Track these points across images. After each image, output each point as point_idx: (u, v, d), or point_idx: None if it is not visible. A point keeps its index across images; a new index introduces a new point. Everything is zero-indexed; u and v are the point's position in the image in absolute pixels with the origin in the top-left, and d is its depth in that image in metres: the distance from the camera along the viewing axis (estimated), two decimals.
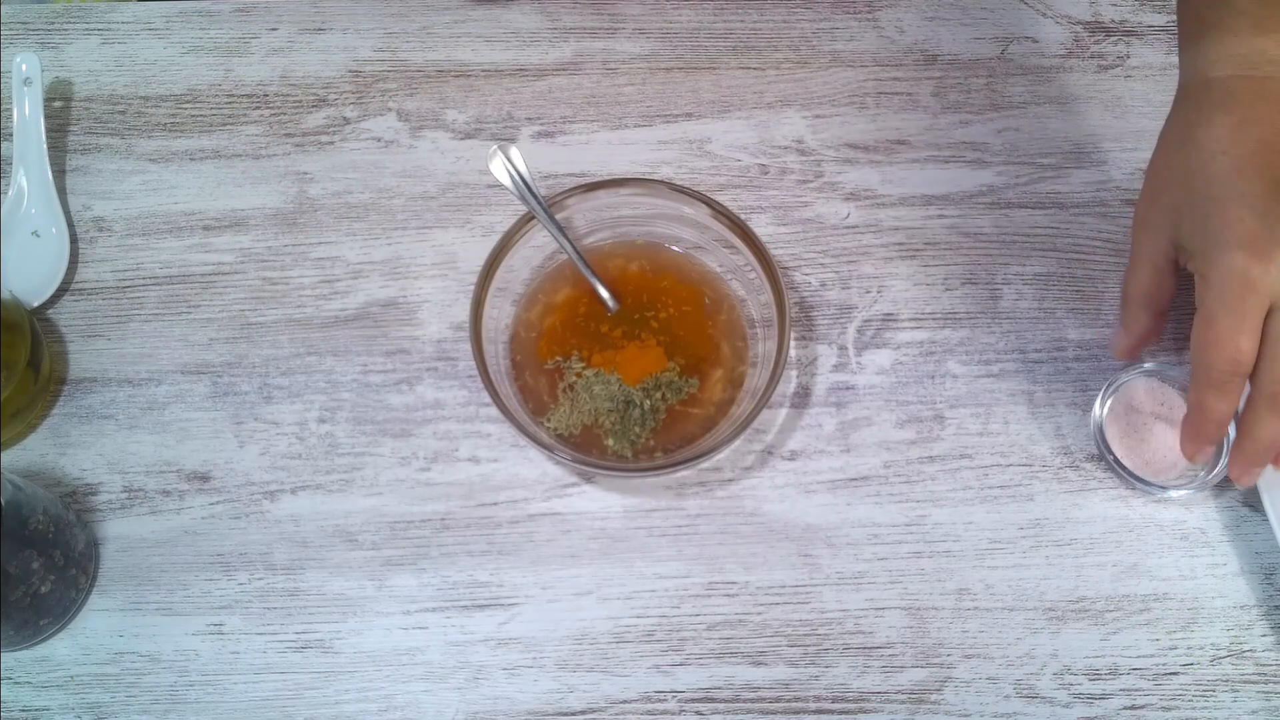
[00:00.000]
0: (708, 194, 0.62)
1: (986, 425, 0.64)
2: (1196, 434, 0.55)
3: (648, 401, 0.61)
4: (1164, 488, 0.60)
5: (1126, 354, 0.61)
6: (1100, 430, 0.61)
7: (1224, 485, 0.62)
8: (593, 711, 0.58)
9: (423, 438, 0.63)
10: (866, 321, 0.66)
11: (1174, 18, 0.74)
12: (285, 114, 0.71)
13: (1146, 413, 0.61)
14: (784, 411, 0.64)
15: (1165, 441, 0.61)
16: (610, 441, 0.60)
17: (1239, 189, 0.52)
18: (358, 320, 0.66)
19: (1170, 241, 0.56)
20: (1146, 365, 0.62)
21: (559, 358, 0.62)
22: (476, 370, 0.58)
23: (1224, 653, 0.59)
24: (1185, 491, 0.60)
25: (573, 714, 0.58)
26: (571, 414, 0.61)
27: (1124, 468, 0.61)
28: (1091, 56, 0.73)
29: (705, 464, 0.62)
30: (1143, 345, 0.60)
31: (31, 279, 0.66)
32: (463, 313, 0.66)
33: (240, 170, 0.70)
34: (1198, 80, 0.56)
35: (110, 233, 0.68)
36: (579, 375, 0.62)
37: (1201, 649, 0.59)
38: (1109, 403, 0.62)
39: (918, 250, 0.68)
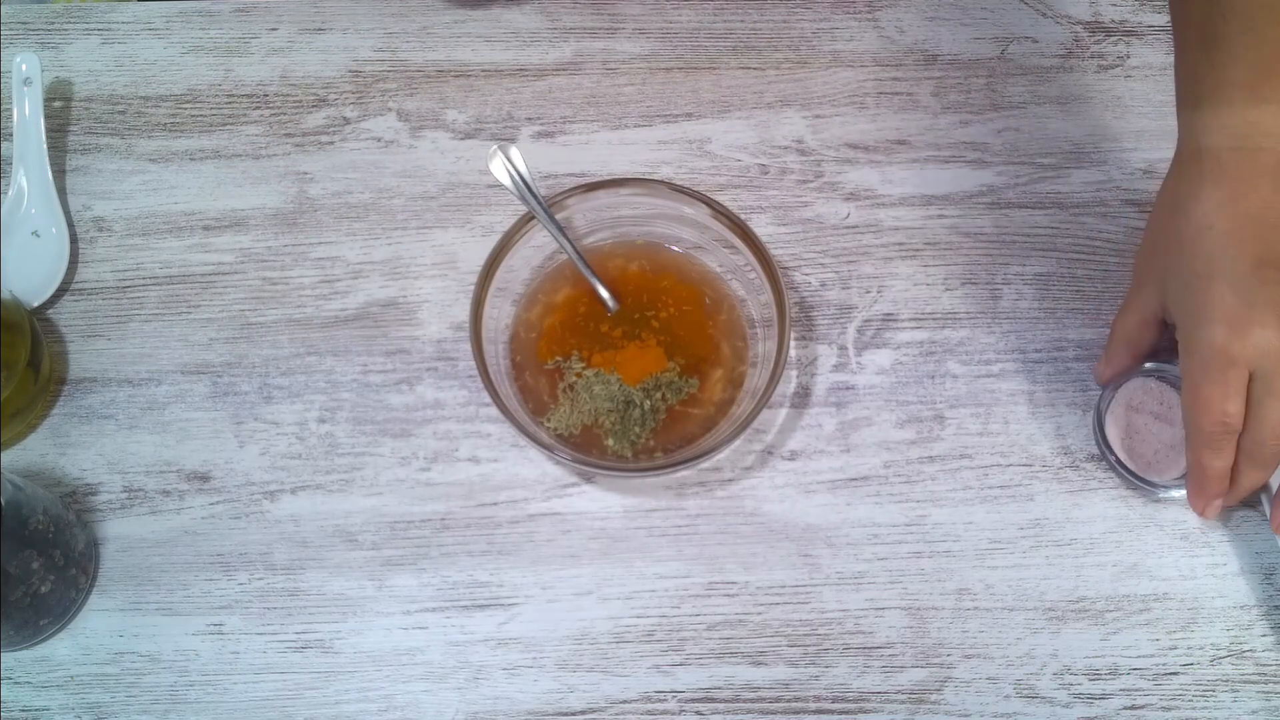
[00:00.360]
0: (708, 194, 0.62)
1: (986, 425, 0.64)
2: (1200, 490, 0.58)
3: (648, 402, 0.61)
4: (1165, 487, 0.60)
5: (1107, 382, 0.62)
6: (1101, 430, 0.61)
7: None
8: (593, 711, 0.58)
9: (423, 438, 0.63)
10: (866, 321, 0.66)
11: None
12: (285, 114, 0.71)
13: (1146, 412, 0.61)
14: (784, 411, 0.64)
15: (1165, 441, 0.61)
16: (610, 441, 0.60)
17: (1222, 265, 0.54)
18: (358, 320, 0.66)
19: (1159, 300, 0.58)
20: (1147, 365, 0.62)
21: (559, 358, 0.62)
22: (476, 370, 0.58)
23: (1224, 653, 0.59)
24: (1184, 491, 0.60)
25: (573, 714, 0.58)
26: (571, 414, 0.61)
27: (1125, 467, 0.60)
28: (1091, 56, 0.73)
29: (705, 464, 0.62)
30: (1123, 375, 0.62)
31: (31, 279, 0.66)
32: (463, 313, 0.66)
33: (240, 170, 0.70)
34: (1191, 147, 0.57)
35: (110, 233, 0.68)
36: (579, 375, 0.62)
37: (1201, 649, 0.59)
38: (1110, 402, 0.62)
39: (918, 250, 0.68)
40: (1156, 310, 0.59)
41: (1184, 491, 0.60)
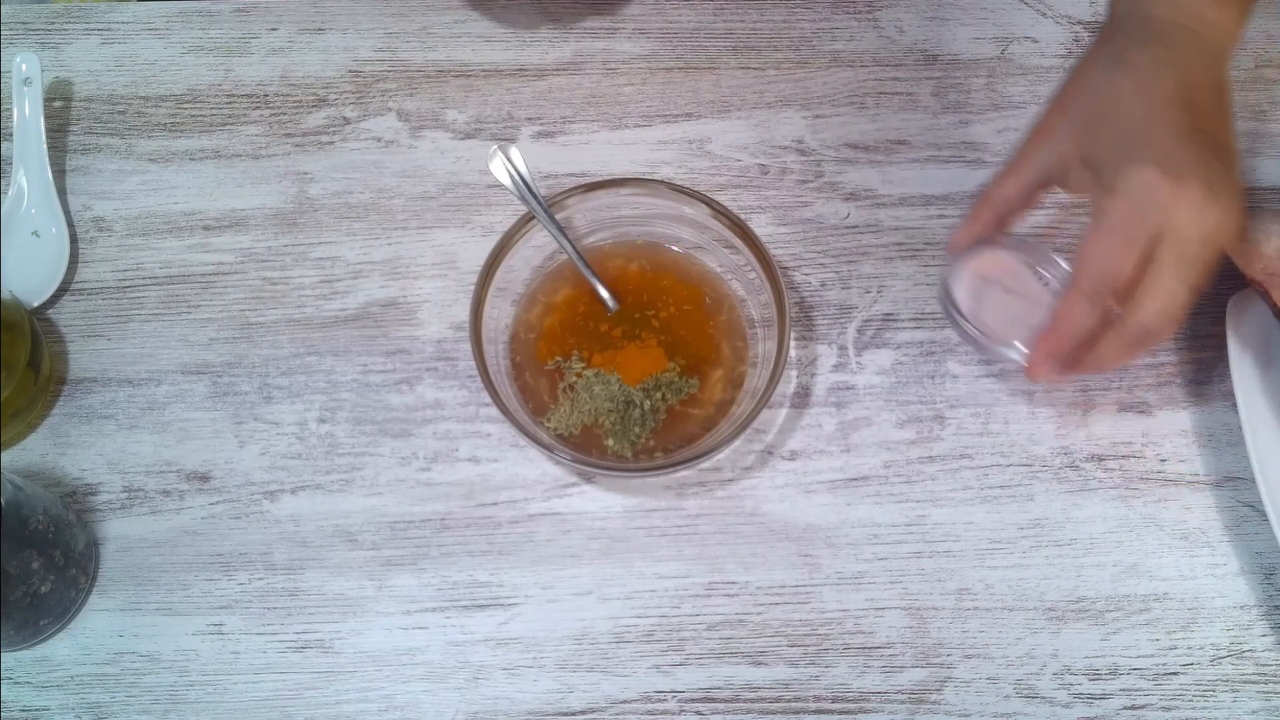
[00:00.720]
0: (708, 194, 0.62)
1: (986, 425, 0.64)
2: (1051, 342, 0.55)
3: (648, 402, 0.61)
4: (1007, 347, 0.59)
5: (958, 251, 0.60)
6: (949, 293, 0.60)
7: (1223, 482, 0.62)
8: (593, 711, 0.58)
9: (423, 438, 0.63)
10: (866, 321, 0.66)
11: None
12: (285, 114, 0.71)
13: (995, 283, 0.60)
14: (784, 411, 0.64)
15: (1011, 313, 0.59)
16: (610, 442, 0.60)
17: (1166, 115, 0.53)
18: (358, 320, 0.66)
19: (1068, 155, 0.56)
20: (999, 238, 0.60)
21: (559, 358, 0.62)
22: (476, 370, 0.58)
23: (1224, 653, 0.59)
24: (1025, 353, 0.59)
25: (573, 714, 0.58)
26: (572, 414, 0.61)
27: (976, 329, 0.59)
28: None
29: (705, 464, 0.62)
30: (975, 244, 0.60)
31: (31, 279, 0.66)
32: (463, 313, 0.66)
33: (240, 170, 0.70)
34: (1139, 14, 0.56)
35: (110, 233, 0.68)
36: (579, 375, 0.62)
37: (1201, 649, 0.59)
38: (959, 270, 0.60)
39: (918, 250, 0.68)
40: (1058, 167, 0.56)
41: (1027, 353, 0.58)
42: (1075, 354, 0.56)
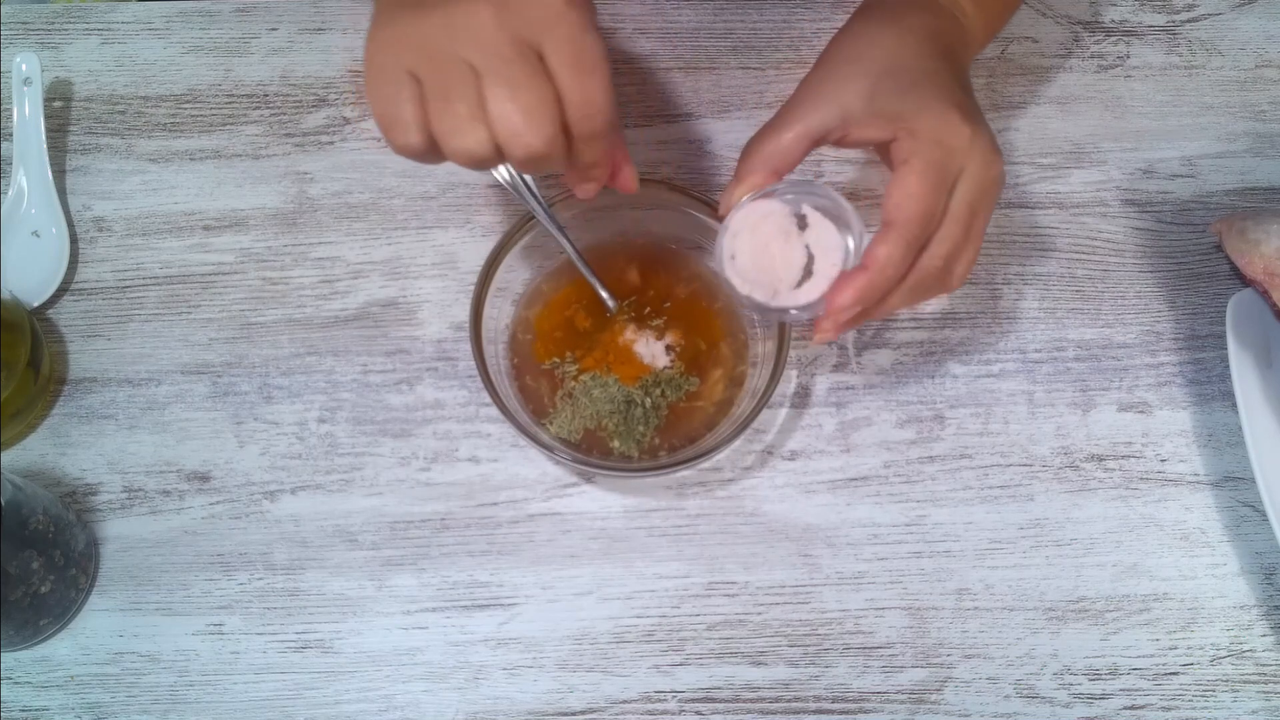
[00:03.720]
0: (708, 194, 0.62)
1: (986, 425, 0.64)
2: (868, 293, 0.51)
3: (648, 399, 0.61)
4: (786, 310, 0.54)
5: (729, 210, 0.56)
6: (723, 257, 0.55)
7: (1223, 482, 0.62)
8: (593, 711, 0.58)
9: (423, 438, 0.63)
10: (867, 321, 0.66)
11: (1174, 18, 0.74)
12: (285, 114, 0.71)
13: (771, 233, 0.55)
14: (784, 411, 0.64)
15: (791, 262, 0.54)
16: (616, 443, 0.60)
17: (951, 69, 0.54)
18: (358, 320, 0.66)
19: (851, 106, 0.54)
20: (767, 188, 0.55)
21: (555, 359, 0.62)
22: (476, 370, 0.58)
23: (1224, 653, 0.59)
24: (799, 312, 0.54)
25: (573, 714, 0.58)
26: (573, 419, 0.61)
27: (751, 296, 0.54)
28: (1091, 56, 0.73)
29: (705, 464, 0.62)
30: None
31: (31, 279, 0.66)
32: (463, 313, 0.66)
33: (240, 170, 0.70)
34: None
35: (110, 233, 0.68)
36: (577, 380, 0.62)
37: (1201, 649, 0.59)
38: (729, 224, 0.55)
39: None
40: (829, 123, 0.54)
41: (805, 311, 0.54)
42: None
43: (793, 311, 0.54)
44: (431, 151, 0.48)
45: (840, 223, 0.54)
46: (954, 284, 0.53)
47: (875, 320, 0.56)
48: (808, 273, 0.54)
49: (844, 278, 0.52)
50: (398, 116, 0.47)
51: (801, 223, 0.54)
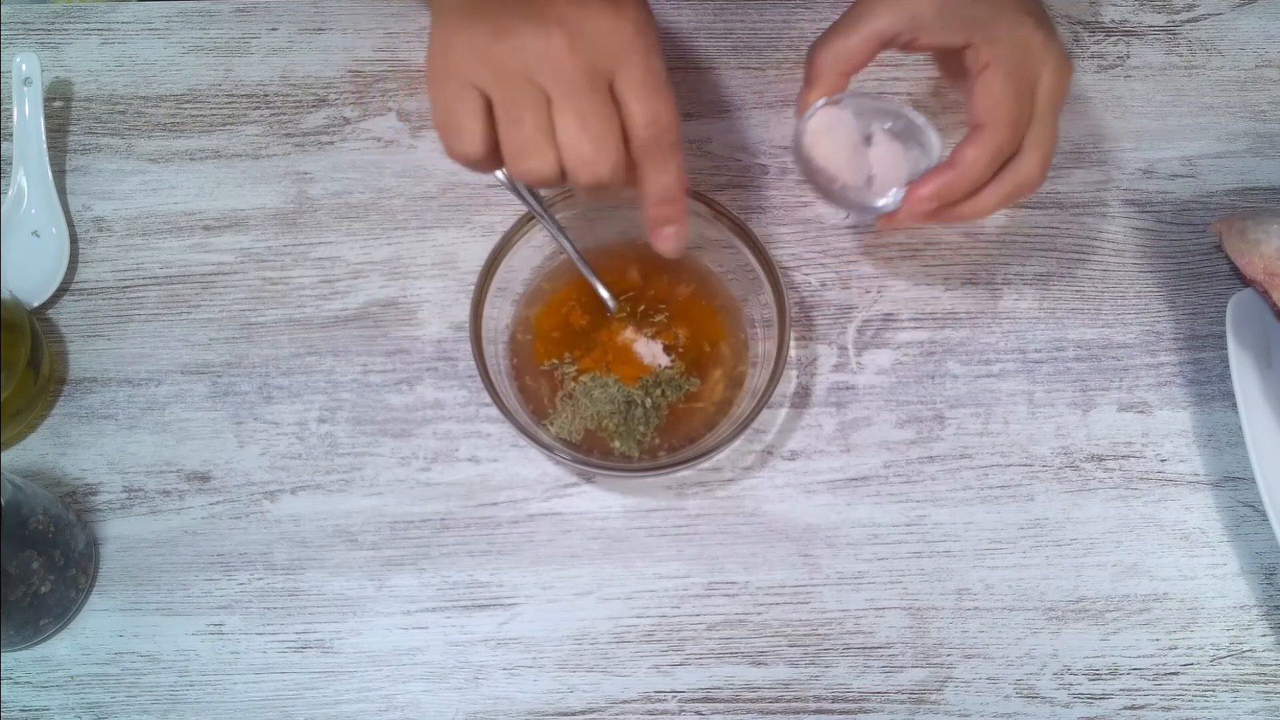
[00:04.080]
0: (708, 194, 0.62)
1: (986, 425, 0.64)
2: (949, 188, 0.54)
3: (649, 400, 0.61)
4: (869, 206, 0.57)
5: (803, 113, 0.57)
6: (803, 152, 0.57)
7: (1223, 482, 0.62)
8: (593, 711, 0.58)
9: (423, 438, 0.63)
10: (866, 321, 0.66)
11: (1174, 18, 0.74)
12: (285, 114, 0.71)
13: (837, 141, 0.57)
14: (784, 411, 0.64)
15: (867, 161, 0.57)
16: (617, 444, 0.60)
17: None
18: (358, 320, 0.66)
19: (920, 11, 0.54)
20: (842, 97, 0.58)
21: (555, 359, 0.62)
22: (476, 370, 0.58)
23: (1224, 653, 0.59)
24: (885, 203, 0.57)
25: (573, 714, 0.58)
26: (574, 420, 0.61)
27: (844, 191, 0.57)
28: (1091, 56, 0.73)
29: (705, 464, 0.62)
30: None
31: (31, 279, 0.66)
32: (463, 313, 0.66)
33: (240, 170, 0.70)
34: None
35: (110, 233, 0.68)
36: (576, 381, 0.62)
37: (1201, 649, 0.59)
38: (809, 122, 0.57)
39: (918, 250, 0.68)
40: (901, 29, 0.55)
41: (892, 207, 0.56)
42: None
43: (877, 204, 0.57)
44: (485, 163, 0.49)
45: (910, 142, 0.57)
46: (1042, 182, 0.56)
47: (963, 223, 0.57)
48: (890, 172, 0.57)
49: (928, 175, 0.54)
50: (462, 125, 0.48)
51: (868, 140, 0.57)
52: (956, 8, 0.54)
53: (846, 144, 0.57)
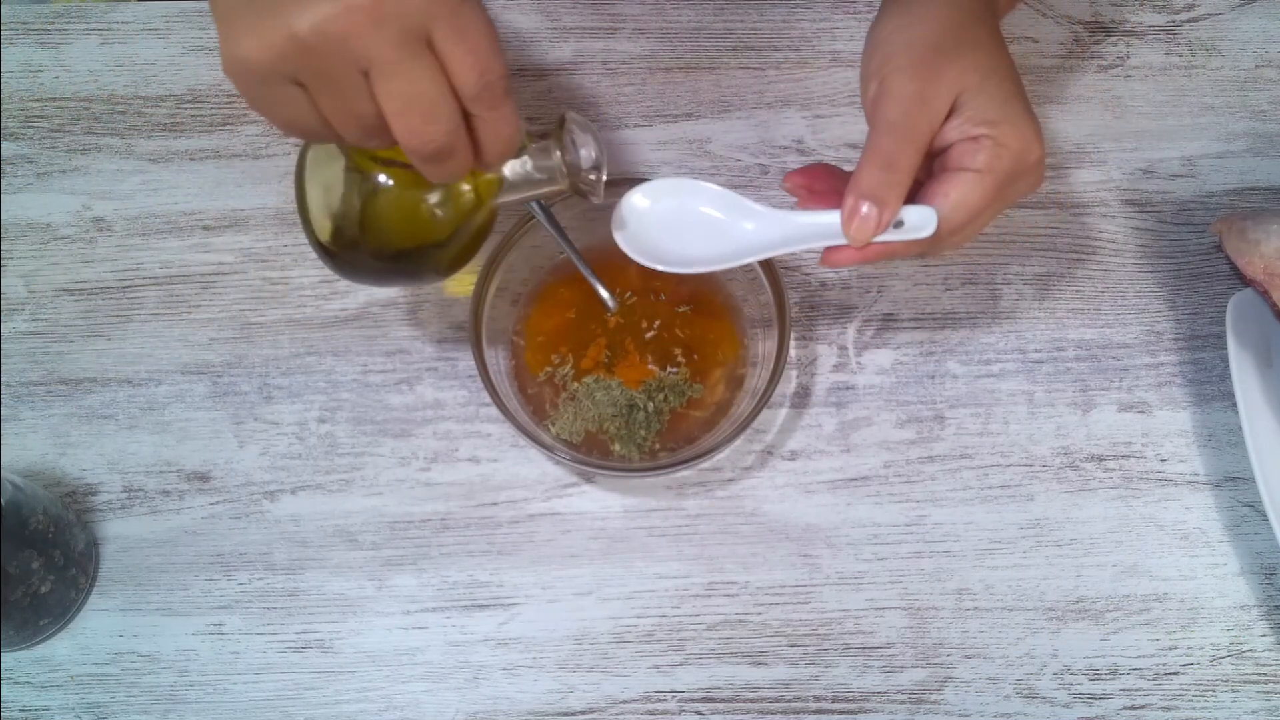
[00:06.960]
0: None
1: (986, 425, 0.64)
2: (876, 258, 0.53)
3: (651, 404, 0.61)
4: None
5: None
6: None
7: (1223, 482, 0.62)
8: (593, 711, 0.58)
9: (423, 438, 0.63)
10: (866, 321, 0.66)
11: (1174, 18, 0.74)
12: None
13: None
14: (784, 411, 0.64)
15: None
16: (617, 446, 0.60)
17: (1019, 80, 0.54)
18: (358, 320, 0.66)
19: (940, 110, 0.53)
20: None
21: (554, 360, 0.62)
22: (476, 370, 0.58)
23: (1224, 653, 0.59)
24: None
25: (573, 714, 0.58)
26: (575, 421, 0.61)
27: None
28: (1091, 56, 0.73)
29: (705, 464, 0.62)
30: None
31: None
32: (463, 313, 0.66)
33: (240, 170, 0.70)
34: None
35: (110, 233, 0.68)
36: (578, 382, 0.61)
37: (1201, 649, 0.59)
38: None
39: None
40: (935, 132, 0.53)
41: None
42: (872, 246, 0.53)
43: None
44: (333, 133, 0.47)
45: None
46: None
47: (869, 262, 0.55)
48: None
49: (866, 248, 0.52)
50: (289, 120, 0.46)
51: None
52: (984, 104, 0.52)
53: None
